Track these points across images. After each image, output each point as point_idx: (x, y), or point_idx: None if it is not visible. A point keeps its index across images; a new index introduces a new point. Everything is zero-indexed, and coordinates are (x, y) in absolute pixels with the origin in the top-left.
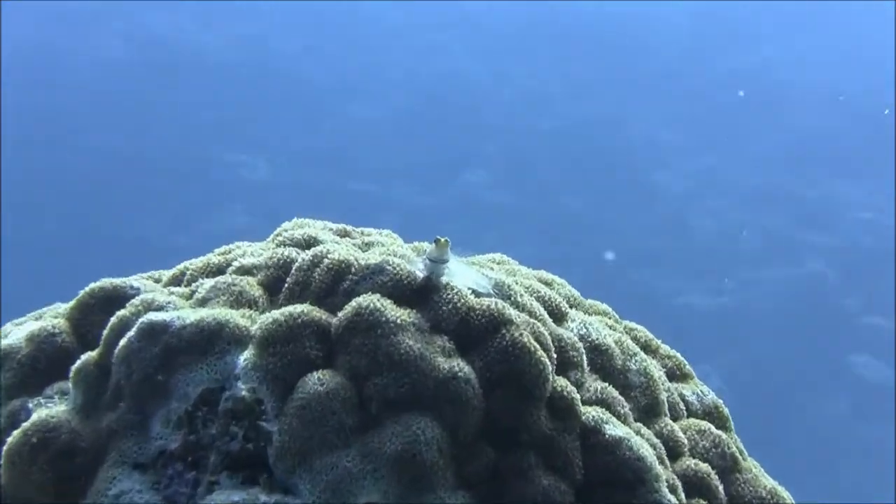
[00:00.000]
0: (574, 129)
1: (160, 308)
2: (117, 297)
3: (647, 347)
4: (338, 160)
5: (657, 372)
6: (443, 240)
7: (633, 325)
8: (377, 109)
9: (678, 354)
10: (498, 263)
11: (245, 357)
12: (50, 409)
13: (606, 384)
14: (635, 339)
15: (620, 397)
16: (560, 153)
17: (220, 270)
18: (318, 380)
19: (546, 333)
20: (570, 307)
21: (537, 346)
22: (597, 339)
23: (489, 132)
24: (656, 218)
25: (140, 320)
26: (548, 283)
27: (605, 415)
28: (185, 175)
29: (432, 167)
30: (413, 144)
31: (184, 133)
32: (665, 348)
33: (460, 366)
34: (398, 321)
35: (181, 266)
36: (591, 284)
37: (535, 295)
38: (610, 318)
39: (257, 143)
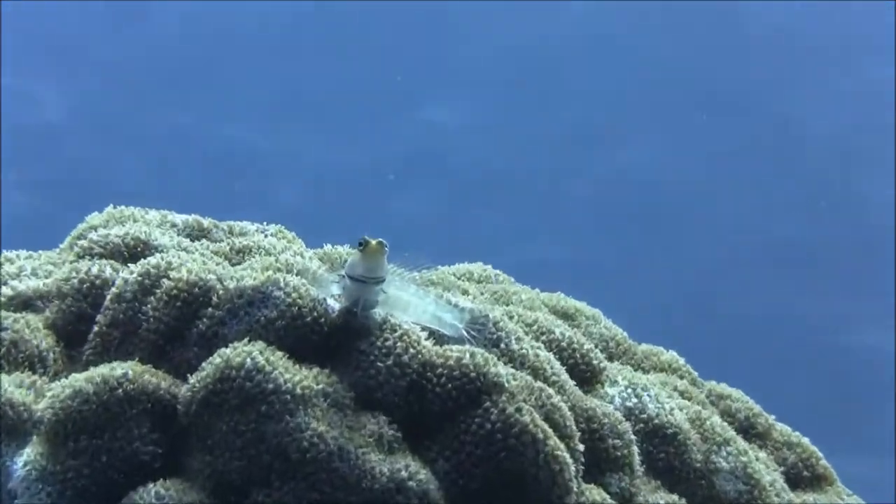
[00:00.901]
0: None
1: None
2: None
3: (749, 429)
4: (188, 88)
5: (767, 474)
6: (374, 242)
7: (723, 388)
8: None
9: (806, 442)
10: (478, 282)
11: (26, 459)
12: None
13: (675, 496)
14: (728, 414)
15: None
16: (602, 68)
17: None
18: (156, 497)
19: (564, 408)
20: (610, 359)
21: (548, 431)
22: (657, 415)
23: (459, 38)
24: (796, 175)
25: None
26: (568, 317)
27: None
28: None
29: (360, 101)
30: (326, 61)
31: None
32: (782, 431)
33: (411, 469)
34: (297, 391)
35: None
36: (670, 307)
37: (544, 338)
38: (681, 378)
39: (45, 57)
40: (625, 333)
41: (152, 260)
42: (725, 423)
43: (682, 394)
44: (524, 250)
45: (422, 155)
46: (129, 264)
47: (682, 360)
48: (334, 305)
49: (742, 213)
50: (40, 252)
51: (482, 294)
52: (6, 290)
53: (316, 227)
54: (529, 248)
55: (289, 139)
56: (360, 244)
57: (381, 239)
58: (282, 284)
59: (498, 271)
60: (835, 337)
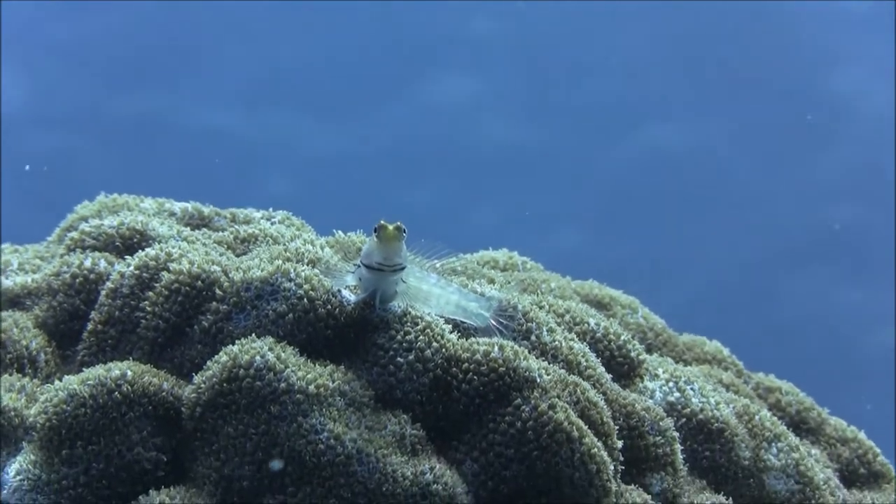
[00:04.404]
0: None
1: None
2: None
3: (800, 424)
4: (160, 70)
5: (820, 471)
6: (391, 227)
7: (772, 380)
8: None
9: (862, 436)
10: (504, 270)
11: (18, 468)
12: None
13: (722, 497)
14: (778, 408)
15: None
16: (629, 40)
17: None
18: None
19: (601, 403)
20: (649, 350)
21: (584, 429)
22: (702, 410)
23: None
24: (841, 156)
25: None
26: (603, 306)
27: None
28: None
29: (354, 79)
30: (313, 36)
31: None
32: (837, 425)
33: (436, 472)
34: (311, 389)
35: None
36: (703, 299)
37: (578, 329)
38: (726, 370)
39: None
40: (664, 323)
41: (150, 251)
42: (776, 418)
43: (727, 387)
44: (544, 239)
45: (427, 136)
46: (125, 256)
47: (726, 351)
48: (350, 297)
49: (782, 197)
50: (26, 245)
51: (509, 283)
52: None
53: (309, 221)
54: (550, 237)
55: (275, 125)
56: (376, 230)
57: (398, 223)
58: (292, 275)
59: (525, 258)
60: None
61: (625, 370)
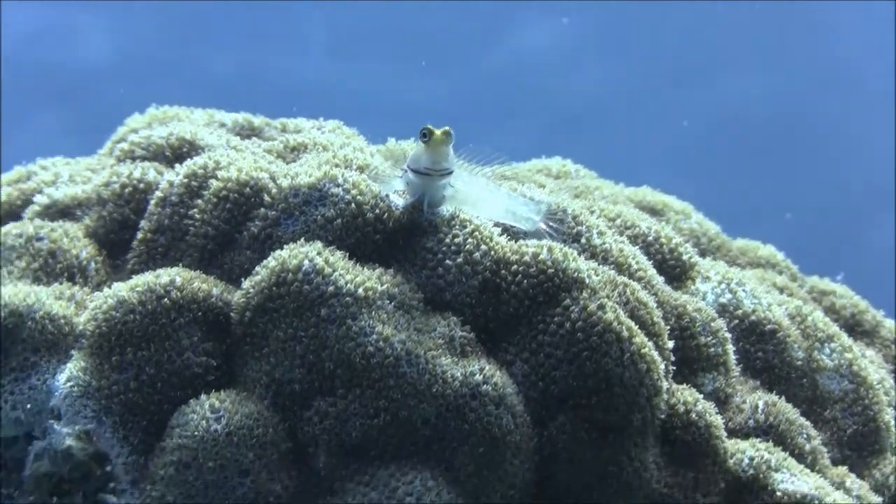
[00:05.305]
0: None
1: None
2: None
3: (855, 327)
4: (245, 21)
5: (874, 372)
6: (438, 132)
7: (826, 283)
8: None
9: None
10: (556, 177)
11: (68, 375)
12: None
13: (775, 396)
14: (832, 311)
15: (803, 421)
16: None
17: (12, 213)
18: (210, 410)
19: (651, 304)
20: (702, 255)
21: (634, 329)
22: (754, 311)
23: None
24: None
25: None
26: (656, 212)
27: (776, 454)
28: None
29: (439, 28)
30: None
31: None
32: (891, 327)
33: (486, 373)
34: (360, 292)
35: None
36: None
37: (629, 233)
38: (780, 273)
39: None
40: (718, 228)
41: (198, 160)
42: (828, 319)
43: (781, 289)
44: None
45: (516, 82)
46: (175, 166)
47: (780, 255)
48: (398, 202)
49: (873, 140)
50: (78, 158)
51: (560, 188)
52: (42, 200)
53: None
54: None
55: (364, 74)
56: (423, 135)
57: (446, 128)
58: (340, 181)
59: (579, 166)
60: None
61: (676, 273)
